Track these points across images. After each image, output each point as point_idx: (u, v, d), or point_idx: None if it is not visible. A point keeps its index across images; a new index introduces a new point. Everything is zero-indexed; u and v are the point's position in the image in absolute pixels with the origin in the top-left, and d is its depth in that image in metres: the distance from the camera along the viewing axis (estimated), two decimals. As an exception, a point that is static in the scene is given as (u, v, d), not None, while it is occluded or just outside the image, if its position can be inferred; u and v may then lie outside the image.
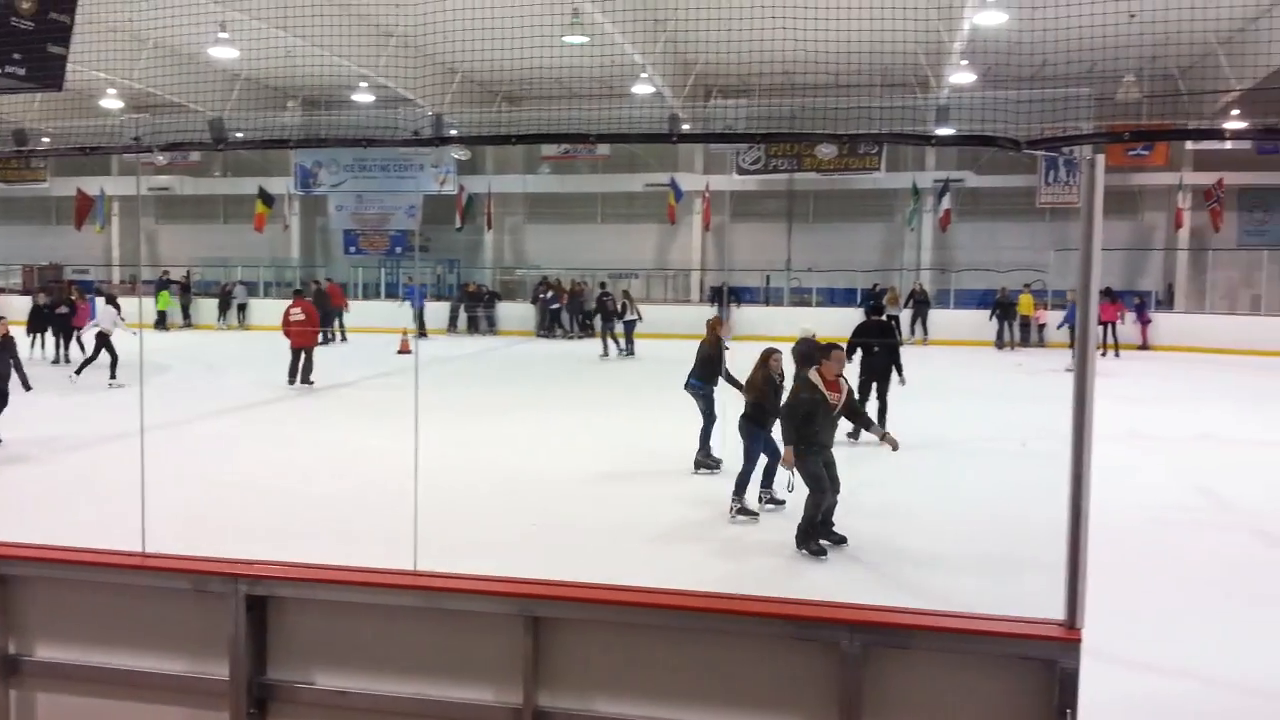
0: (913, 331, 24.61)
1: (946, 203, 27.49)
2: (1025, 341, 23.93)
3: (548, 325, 26.41)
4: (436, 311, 27.24)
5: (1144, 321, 23.57)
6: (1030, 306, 23.89)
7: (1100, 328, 21.25)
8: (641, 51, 21.59)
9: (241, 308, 28.41)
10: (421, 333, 24.13)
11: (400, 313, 24.72)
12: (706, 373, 9.98)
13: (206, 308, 28.79)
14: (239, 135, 7.85)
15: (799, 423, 7.02)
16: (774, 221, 29.95)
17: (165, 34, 20.86)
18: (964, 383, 17.27)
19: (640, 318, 22.03)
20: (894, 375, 11.33)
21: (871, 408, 11.26)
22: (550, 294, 26.58)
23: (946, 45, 20.69)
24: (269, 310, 26.76)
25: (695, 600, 3.54)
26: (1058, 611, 3.27)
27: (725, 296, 26.16)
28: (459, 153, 28.70)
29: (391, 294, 30.23)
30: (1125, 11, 11.47)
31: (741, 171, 28.50)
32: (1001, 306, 23.70)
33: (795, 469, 7.04)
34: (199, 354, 20.97)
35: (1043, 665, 3.21)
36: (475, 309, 27.34)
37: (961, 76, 21.50)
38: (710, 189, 28.95)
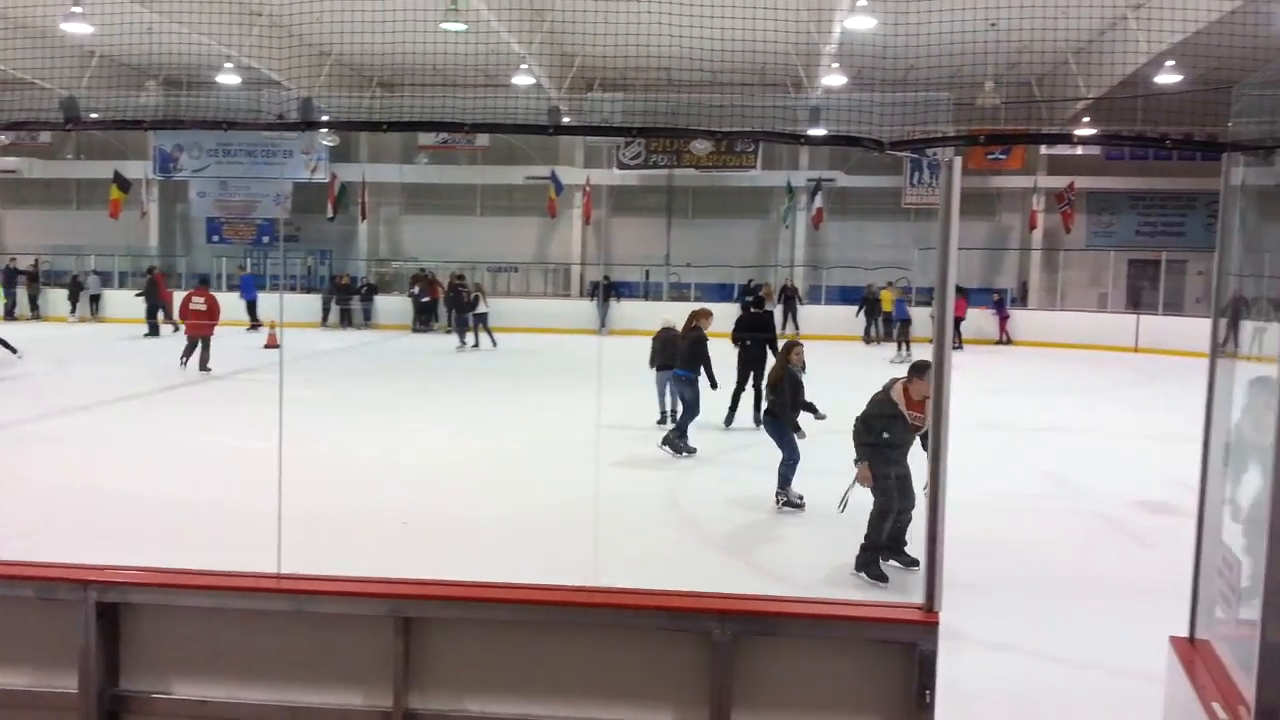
0: (784, 326, 25.26)
1: (819, 201, 28.31)
2: (889, 336, 24.91)
3: (424, 320, 25.93)
4: (307, 305, 26.39)
5: (1002, 318, 24.84)
6: (890, 303, 24.88)
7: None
8: (521, 41, 21.40)
9: (95, 299, 26.82)
10: (254, 324, 23.59)
11: (242, 305, 23.87)
12: (693, 363, 10.61)
13: (56, 298, 27.10)
14: (93, 115, 7.41)
15: (873, 439, 6.60)
16: (653, 217, 30.22)
17: (12, 6, 19.50)
18: (833, 375, 17.88)
19: (488, 309, 21.96)
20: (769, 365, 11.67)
21: (749, 397, 11.69)
22: (418, 289, 26.00)
23: (819, 47, 21.25)
24: (124, 302, 25.44)
25: (566, 595, 3.54)
26: (918, 596, 3.41)
27: (605, 291, 26.24)
28: (328, 139, 27.80)
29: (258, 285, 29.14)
30: (986, 20, 12.05)
31: (622, 166, 28.63)
32: (868, 303, 24.58)
33: (861, 482, 6.59)
34: (48, 348, 19.71)
35: (903, 648, 3.35)
36: (348, 302, 26.58)
37: (833, 78, 22.13)
38: (591, 183, 28.97)
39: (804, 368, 8.46)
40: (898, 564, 6.63)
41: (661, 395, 11.60)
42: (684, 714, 3.42)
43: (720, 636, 3.37)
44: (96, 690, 3.57)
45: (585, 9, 16.33)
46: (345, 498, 8.24)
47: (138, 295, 23.70)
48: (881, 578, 6.42)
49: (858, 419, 6.71)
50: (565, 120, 24.08)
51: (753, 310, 13.29)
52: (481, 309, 21.62)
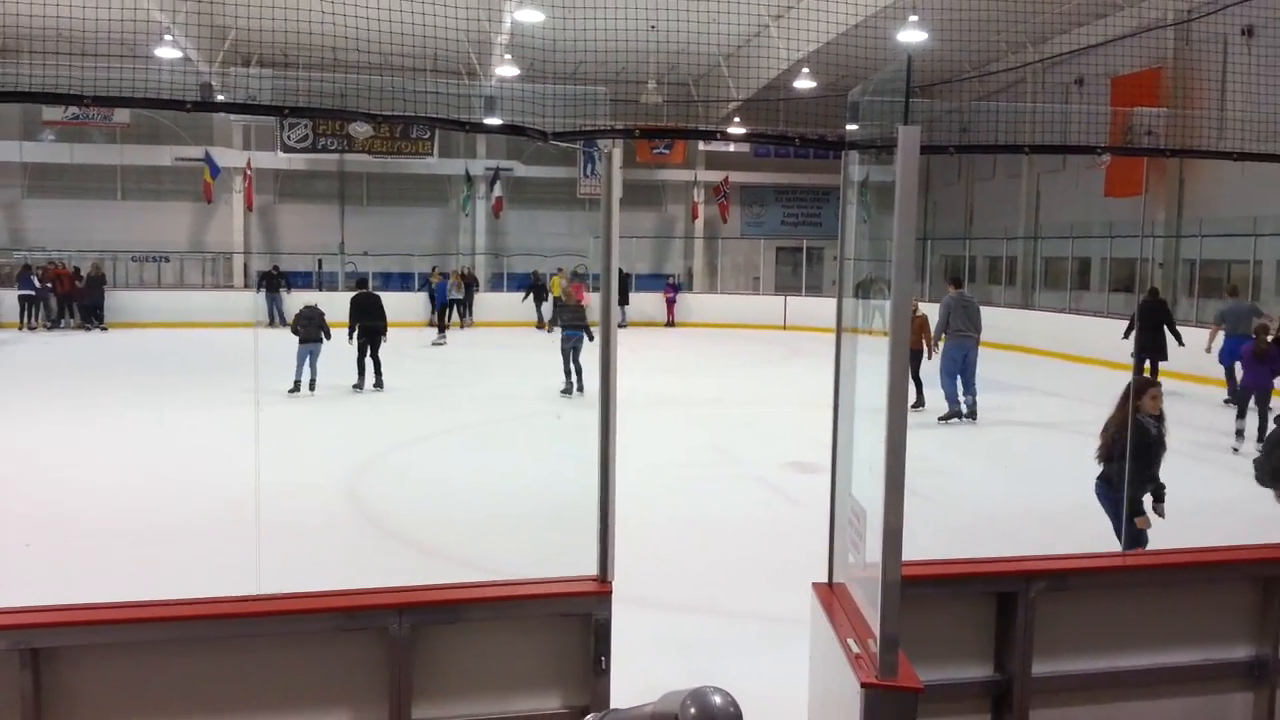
0: (461, 315, 25.30)
1: (498, 190, 28.45)
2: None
3: (35, 316, 22.91)
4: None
5: (670, 300, 26.43)
6: (559, 288, 25.66)
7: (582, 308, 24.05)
8: (163, 8, 19.44)
9: None
10: None
11: None
12: (579, 324, 13.50)
13: None
14: None
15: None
16: (326, 203, 28.81)
17: None
18: (504, 361, 18.41)
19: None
20: None
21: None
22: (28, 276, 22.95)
23: (491, 38, 21.27)
24: None
25: (229, 606, 3.29)
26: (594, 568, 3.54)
27: (273, 281, 24.65)
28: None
29: None
30: (646, 21, 12.70)
31: (286, 149, 26.92)
32: (535, 289, 25.10)
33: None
34: None
35: (579, 620, 3.46)
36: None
37: (506, 69, 22.27)
38: (253, 166, 27.02)
39: (1162, 421, 5.80)
40: None
41: (300, 365, 12.95)
42: (361, 714, 3.31)
43: (398, 630, 3.30)
44: None
45: (237, -22, 15.17)
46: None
47: None
48: None
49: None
50: (220, 98, 22.27)
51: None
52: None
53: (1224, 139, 14.38)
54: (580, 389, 13.23)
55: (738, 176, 30.63)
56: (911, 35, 16.88)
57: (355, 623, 3.35)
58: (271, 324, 23.48)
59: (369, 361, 13.80)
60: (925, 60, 21.48)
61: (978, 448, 11.12)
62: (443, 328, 22.60)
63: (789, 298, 26.70)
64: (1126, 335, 15.02)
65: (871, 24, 16.57)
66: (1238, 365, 11.66)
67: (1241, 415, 10.72)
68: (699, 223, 30.68)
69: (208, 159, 26.16)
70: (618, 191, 3.66)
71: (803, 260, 29.04)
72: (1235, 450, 10.49)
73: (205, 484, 8.52)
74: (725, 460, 10.31)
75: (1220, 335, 13.59)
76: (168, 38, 20.75)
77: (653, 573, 6.18)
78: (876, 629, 3.08)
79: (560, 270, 25.77)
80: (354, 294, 14.30)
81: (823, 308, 24.33)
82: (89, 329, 22.90)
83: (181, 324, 22.34)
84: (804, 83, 22.02)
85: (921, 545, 3.60)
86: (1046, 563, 3.84)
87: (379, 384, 13.83)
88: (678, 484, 9.08)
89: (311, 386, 13.10)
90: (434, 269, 25.96)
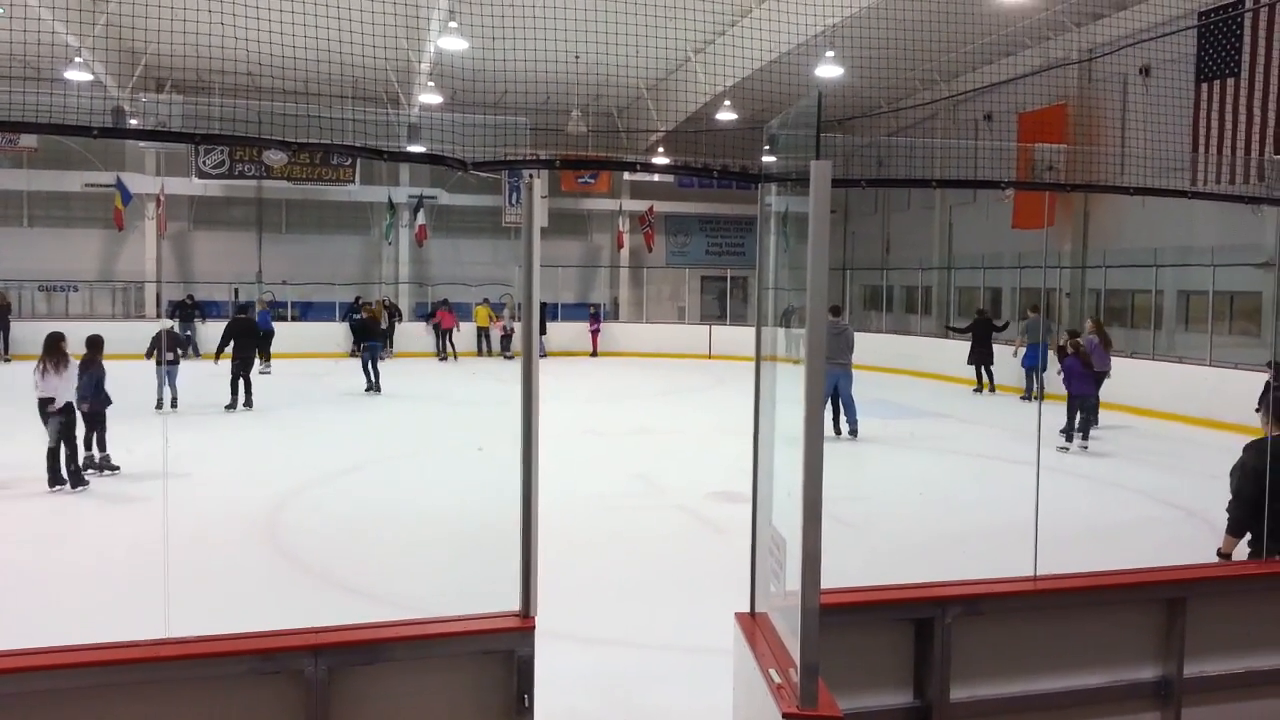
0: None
1: (421, 218, 28.19)
2: (482, 351, 25.54)
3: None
4: None
5: (594, 331, 26.44)
6: (485, 318, 25.51)
7: (444, 333, 24.62)
8: (73, 32, 18.90)
9: None
10: None
11: None
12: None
13: None
14: None
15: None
16: (243, 230, 28.17)
17: None
18: (424, 391, 18.23)
19: None
20: None
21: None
22: None
23: (415, 66, 21.18)
24: None
25: (135, 651, 3.16)
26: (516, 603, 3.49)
27: (187, 311, 23.97)
28: None
29: None
30: (571, 53, 12.80)
31: (201, 175, 26.29)
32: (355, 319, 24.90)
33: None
34: None
35: (502, 656, 3.41)
36: None
37: (429, 97, 22.18)
38: (166, 192, 26.30)
39: None
40: None
41: (160, 385, 13.72)
42: (274, 762, 3.20)
43: (315, 673, 3.20)
44: None
45: (151, 2, 14.82)
46: None
47: None
48: None
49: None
50: (133, 123, 21.68)
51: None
52: None
53: (1125, 174, 15.05)
54: (378, 389, 17.16)
55: (663, 206, 30.92)
56: (828, 70, 17.33)
57: (270, 665, 3.24)
58: (184, 355, 22.80)
59: (241, 383, 15.08)
60: (842, 95, 22.06)
61: (897, 473, 11.34)
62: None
63: (714, 327, 26.96)
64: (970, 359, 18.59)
65: (789, 59, 16.98)
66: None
67: (1071, 419, 12.49)
68: (624, 252, 30.84)
69: (119, 185, 25.40)
70: (540, 220, 3.66)
71: (727, 289, 29.38)
72: (1065, 449, 12.23)
73: (106, 521, 8.20)
74: (650, 490, 10.31)
75: (1024, 348, 17.15)
76: (78, 60, 20.17)
77: (576, 605, 6.13)
78: (797, 658, 3.10)
79: (485, 300, 25.69)
80: (233, 318, 15.98)
81: (748, 336, 24.23)
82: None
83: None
84: (726, 114, 22.40)
85: (844, 572, 3.65)
86: (960, 588, 3.91)
87: (249, 403, 15.07)
88: (600, 514, 9.04)
89: (174, 404, 13.93)
90: (357, 298, 25.59)
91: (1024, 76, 19.22)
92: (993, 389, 18.30)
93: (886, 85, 21.77)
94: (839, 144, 24.40)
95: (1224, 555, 4.91)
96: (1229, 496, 4.96)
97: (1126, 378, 14.98)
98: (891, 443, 12.85)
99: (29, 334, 22.90)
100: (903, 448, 12.62)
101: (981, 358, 18.31)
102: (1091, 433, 12.39)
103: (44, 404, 9.23)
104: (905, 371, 21.47)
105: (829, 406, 12.44)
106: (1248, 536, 4.91)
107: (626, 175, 29.96)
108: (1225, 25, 16.00)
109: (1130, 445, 12.96)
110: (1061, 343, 13.10)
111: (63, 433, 9.24)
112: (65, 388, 9.27)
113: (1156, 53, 17.22)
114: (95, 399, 9.84)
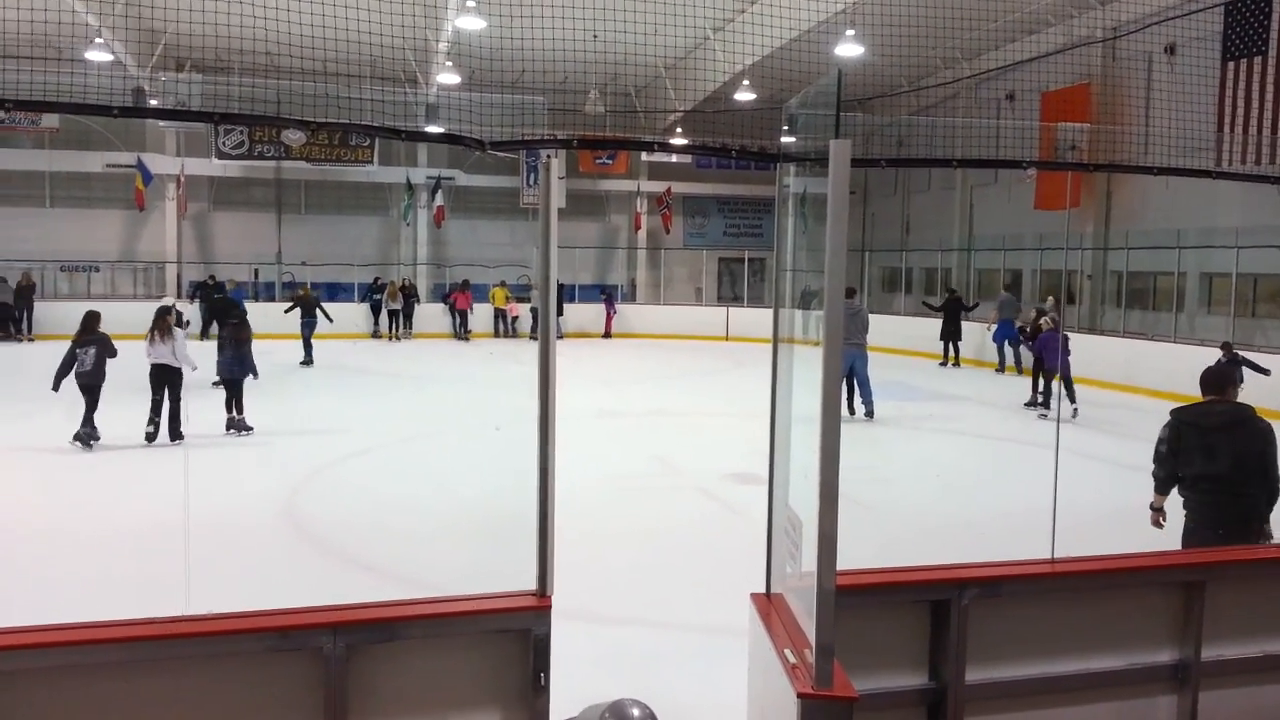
0: (402, 326, 25.07)
1: (440, 199, 28.20)
2: (499, 333, 25.60)
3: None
4: None
5: (610, 313, 26.41)
6: (503, 300, 25.54)
7: (459, 314, 24.67)
8: (93, 11, 18.96)
9: None
10: None
11: None
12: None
13: None
14: None
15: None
16: (262, 211, 28.29)
17: None
18: (443, 373, 18.31)
19: None
20: None
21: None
22: None
23: (433, 46, 21.13)
24: None
25: (155, 628, 3.20)
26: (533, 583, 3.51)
27: (208, 291, 24.11)
28: None
29: None
30: (589, 31, 12.72)
31: (221, 155, 26.38)
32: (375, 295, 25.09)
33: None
34: None
35: (518, 635, 3.43)
36: None
37: (448, 77, 22.13)
38: (186, 173, 26.44)
39: None
40: None
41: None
42: (294, 736, 3.24)
43: (332, 650, 3.23)
44: None
45: (170, -18, 14.87)
46: None
47: None
48: None
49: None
50: (153, 103, 21.76)
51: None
52: None
53: (1149, 154, 14.87)
54: (311, 362, 18.05)
55: (680, 187, 30.78)
56: (849, 50, 17.16)
57: (288, 643, 3.27)
58: (205, 336, 23.00)
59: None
60: (863, 74, 21.86)
61: (914, 455, 11.30)
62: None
63: (731, 308, 26.88)
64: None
65: (810, 38, 16.82)
66: (1008, 343, 18.18)
67: (1035, 387, 13.89)
68: (642, 233, 30.75)
69: (140, 165, 25.54)
70: (557, 201, 3.65)
71: (745, 271, 29.28)
72: (1043, 416, 13.32)
73: (130, 500, 8.30)
74: (666, 471, 10.33)
75: (995, 324, 18.68)
76: (98, 40, 20.25)
77: (592, 586, 6.16)
78: (812, 638, 3.11)
79: (502, 283, 25.73)
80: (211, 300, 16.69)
81: (765, 318, 24.16)
82: (18, 340, 22.33)
83: (112, 336, 21.68)
84: (745, 94, 22.25)
85: (860, 554, 3.64)
86: (977, 570, 3.90)
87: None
88: (617, 495, 9.07)
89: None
90: (376, 279, 25.67)
91: (1047, 55, 18.96)
92: (958, 363, 19.70)
93: (907, 64, 21.54)
94: (859, 123, 24.22)
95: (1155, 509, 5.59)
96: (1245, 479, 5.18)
97: (1147, 361, 14.86)
98: (907, 425, 12.80)
99: (51, 315, 23.16)
100: (919, 429, 12.58)
101: (951, 334, 19.74)
102: (1109, 415, 12.42)
103: (156, 370, 10.79)
104: (928, 355, 21.37)
105: (844, 386, 12.40)
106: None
107: (644, 156, 29.81)
108: (1253, 3, 15.74)
109: (1150, 429, 12.82)
110: (1034, 319, 14.12)
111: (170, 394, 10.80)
112: (166, 353, 11.00)
113: (1182, 31, 16.97)
114: (239, 368, 11.70)
